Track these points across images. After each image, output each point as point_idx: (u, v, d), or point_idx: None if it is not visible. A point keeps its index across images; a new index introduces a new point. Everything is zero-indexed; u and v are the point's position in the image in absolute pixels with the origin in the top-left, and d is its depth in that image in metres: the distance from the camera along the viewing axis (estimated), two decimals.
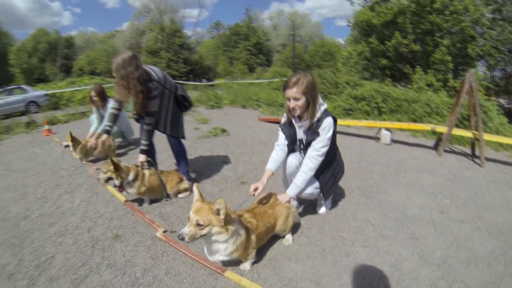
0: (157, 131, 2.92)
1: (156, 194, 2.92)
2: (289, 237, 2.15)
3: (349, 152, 4.59)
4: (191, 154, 4.48)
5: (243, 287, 1.72)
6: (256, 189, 2.06)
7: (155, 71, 2.71)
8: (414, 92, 7.53)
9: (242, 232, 1.73)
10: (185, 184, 3.05)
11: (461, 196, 3.04)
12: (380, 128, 5.07)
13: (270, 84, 14.57)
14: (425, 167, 3.94)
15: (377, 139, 5.19)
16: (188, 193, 3.07)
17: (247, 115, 8.85)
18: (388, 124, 5.11)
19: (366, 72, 12.89)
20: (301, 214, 2.56)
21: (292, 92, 1.99)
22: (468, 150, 4.77)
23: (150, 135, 2.77)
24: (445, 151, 4.63)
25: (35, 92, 14.26)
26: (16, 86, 15.37)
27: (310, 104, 2.01)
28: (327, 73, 10.61)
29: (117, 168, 2.60)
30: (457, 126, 4.68)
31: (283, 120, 2.27)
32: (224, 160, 4.25)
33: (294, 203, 2.37)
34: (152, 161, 2.84)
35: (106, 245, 2.28)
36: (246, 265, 1.88)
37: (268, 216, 1.96)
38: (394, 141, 5.24)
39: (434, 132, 5.15)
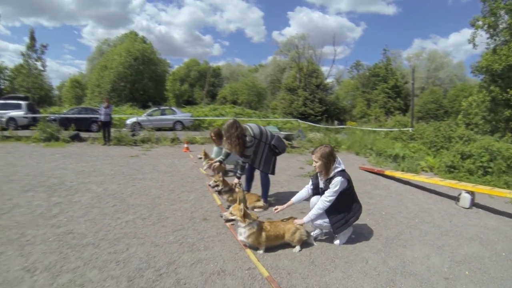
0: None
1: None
2: (297, 247, 3.41)
3: (412, 206, 5.31)
4: (282, 187, 6.20)
5: (250, 257, 3.18)
6: (276, 209, 3.75)
7: (252, 128, 4.66)
8: None
9: (256, 226, 3.27)
10: (261, 203, 4.83)
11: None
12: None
13: (388, 133, 15.33)
14: (480, 238, 4.03)
15: (457, 200, 5.50)
16: (261, 209, 4.74)
17: (353, 161, 9.74)
18: (469, 186, 5.41)
19: (487, 124, 11.71)
20: (322, 240, 3.74)
21: (313, 157, 3.48)
22: None
23: (243, 168, 4.77)
24: None
25: (182, 114, 20.06)
26: (168, 107, 22.20)
27: (325, 166, 3.39)
28: (442, 126, 10.98)
29: (223, 181, 4.67)
30: None
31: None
32: None
33: (317, 231, 3.74)
34: (241, 184, 4.81)
35: (197, 222, 4.21)
36: (260, 250, 3.33)
37: (280, 228, 3.40)
38: (479, 206, 5.51)
39: None
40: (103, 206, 4.74)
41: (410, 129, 14.67)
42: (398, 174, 7.02)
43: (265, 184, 4.96)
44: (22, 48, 31.83)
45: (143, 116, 19.67)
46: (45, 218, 4.18)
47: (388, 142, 11.84)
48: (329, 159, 3.40)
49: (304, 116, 33.50)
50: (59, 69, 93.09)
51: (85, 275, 2.80)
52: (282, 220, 3.54)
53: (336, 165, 3.44)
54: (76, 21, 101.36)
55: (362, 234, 3.91)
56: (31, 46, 31.52)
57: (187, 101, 43.66)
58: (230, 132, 4.41)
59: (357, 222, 4.12)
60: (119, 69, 37.08)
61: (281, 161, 9.35)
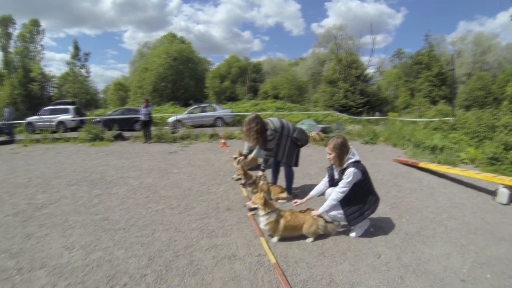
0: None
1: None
2: (311, 238, 3.59)
3: (443, 201, 5.08)
4: (311, 179, 6.43)
5: (262, 245, 3.45)
6: (296, 202, 3.97)
7: (273, 122, 4.89)
8: None
9: (274, 215, 3.51)
10: (284, 195, 5.09)
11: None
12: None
13: (429, 124, 14.84)
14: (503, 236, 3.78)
15: (494, 196, 5.19)
16: (285, 201, 4.99)
17: (389, 153, 9.45)
18: (506, 180, 5.05)
19: None
20: (339, 232, 3.81)
21: (327, 148, 3.63)
22: None
23: (266, 161, 5.13)
24: None
25: (222, 110, 20.76)
26: (208, 104, 23.07)
27: (338, 157, 3.53)
28: (485, 114, 10.39)
29: (245, 173, 4.95)
30: None
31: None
32: None
33: (335, 223, 3.81)
34: (265, 176, 5.08)
35: (221, 211, 4.60)
36: (274, 239, 3.59)
37: (299, 218, 3.59)
38: None
39: None
40: (137, 197, 5.31)
41: (451, 118, 14.35)
42: (433, 167, 6.69)
43: (289, 176, 5.19)
44: (68, 57, 36.07)
45: (184, 114, 20.74)
46: (86, 207, 4.84)
47: (428, 133, 11.40)
48: (342, 150, 3.52)
49: (345, 108, 33.09)
50: (104, 74, 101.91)
51: (113, 253, 3.31)
52: (301, 211, 3.72)
53: (350, 156, 3.55)
54: (117, 27, 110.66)
55: (381, 228, 3.91)
56: (75, 55, 35.82)
57: (229, 98, 44.94)
58: (250, 126, 4.69)
59: (379, 215, 4.20)
60: (159, 70, 39.62)
61: (315, 153, 9.48)
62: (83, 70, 36.83)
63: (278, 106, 27.37)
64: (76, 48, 35.48)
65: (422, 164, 6.97)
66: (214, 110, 20.96)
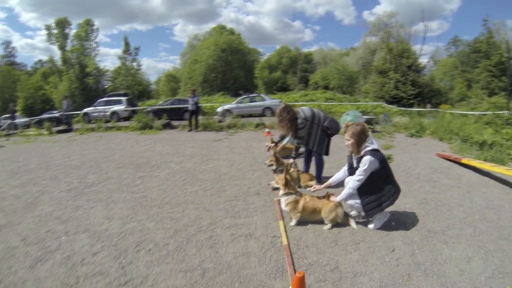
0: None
1: (293, 182, 5.21)
2: (328, 225, 3.74)
3: (480, 201, 4.75)
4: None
5: (280, 227, 3.71)
6: (314, 187, 4.27)
7: (304, 111, 5.21)
8: None
9: (293, 197, 3.82)
10: (313, 183, 5.25)
11: None
12: None
13: (481, 117, 13.98)
14: None
15: None
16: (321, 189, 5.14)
17: (433, 147, 8.97)
18: None
19: None
20: (359, 222, 3.89)
21: (346, 135, 3.72)
22: None
23: (297, 149, 5.45)
24: None
25: (271, 100, 21.16)
26: (257, 94, 23.60)
27: (356, 144, 3.62)
28: None
29: (277, 160, 5.31)
30: None
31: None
32: None
33: (354, 212, 3.97)
34: (296, 164, 5.36)
35: (250, 195, 4.98)
36: (292, 222, 3.86)
37: (318, 202, 3.81)
38: None
39: None
40: (176, 180, 5.91)
41: (506, 112, 13.36)
42: (476, 163, 6.22)
43: (319, 165, 5.43)
44: (120, 52, 39.73)
45: (233, 104, 21.54)
46: (128, 186, 5.55)
47: (479, 128, 10.62)
48: (360, 137, 3.61)
49: (396, 100, 31.67)
50: (156, 66, 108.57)
51: (145, 225, 3.88)
52: (324, 196, 3.90)
53: (367, 143, 3.62)
54: (167, 21, 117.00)
55: (404, 223, 3.88)
56: (126, 50, 39.31)
57: (280, 88, 45.36)
58: (282, 116, 5.03)
59: (404, 209, 4.26)
60: (209, 61, 41.44)
61: None
62: (134, 64, 40.34)
63: (327, 97, 27.21)
64: (127, 43, 39.02)
65: (465, 160, 6.58)
66: (263, 100, 21.44)
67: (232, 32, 49.07)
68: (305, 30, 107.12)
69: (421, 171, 6.30)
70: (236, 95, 32.17)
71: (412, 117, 15.32)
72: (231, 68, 42.40)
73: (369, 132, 3.72)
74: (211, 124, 14.38)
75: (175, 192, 5.18)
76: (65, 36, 37.64)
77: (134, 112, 19.69)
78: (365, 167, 3.52)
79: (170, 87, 48.04)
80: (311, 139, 5.26)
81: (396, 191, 3.70)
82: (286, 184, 3.86)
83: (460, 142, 9.15)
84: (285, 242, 3.32)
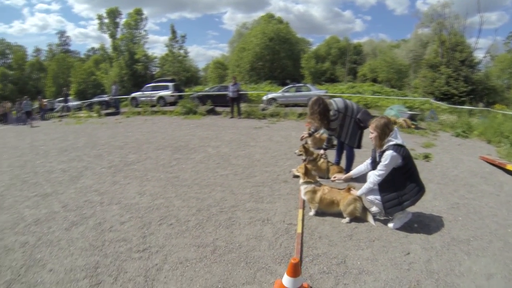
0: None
1: (322, 174, 5.24)
2: (347, 219, 3.73)
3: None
4: None
5: (298, 216, 3.77)
6: (335, 177, 4.18)
7: (337, 102, 5.21)
8: None
9: (312, 186, 3.89)
10: (341, 175, 5.10)
11: None
12: None
13: None
14: None
15: None
16: (341, 180, 5.09)
17: (478, 150, 8.15)
18: None
19: None
20: (380, 220, 3.79)
21: (370, 128, 3.64)
22: None
23: (329, 141, 5.62)
24: None
25: (317, 91, 20.90)
26: (303, 84, 23.47)
27: (379, 138, 3.52)
28: None
29: (306, 150, 5.38)
30: None
31: None
32: None
33: (374, 208, 3.84)
34: (326, 155, 5.37)
35: (277, 182, 5.15)
36: (311, 212, 3.93)
37: (336, 194, 3.81)
38: None
39: None
40: (209, 163, 6.20)
41: None
42: None
43: (349, 158, 5.41)
44: (167, 39, 42.36)
45: (278, 93, 21.61)
46: (164, 167, 5.95)
47: None
48: (383, 131, 3.51)
49: (446, 97, 29.43)
50: (205, 53, 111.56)
51: (172, 202, 4.19)
52: (344, 189, 3.88)
53: (391, 138, 3.51)
54: (216, 9, 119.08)
55: (427, 226, 3.65)
56: (173, 38, 41.60)
57: (329, 79, 44.60)
58: (313, 109, 5.05)
59: (431, 212, 4.01)
60: (256, 49, 41.85)
61: None
62: (181, 51, 42.43)
63: (375, 90, 26.30)
64: (173, 31, 41.21)
65: (510, 166, 6.03)
66: (309, 90, 21.27)
67: (280, 21, 49.17)
68: (356, 20, 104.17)
69: (459, 173, 5.91)
70: (283, 84, 32.20)
71: (461, 115, 14.36)
72: (279, 57, 42.52)
73: (395, 126, 3.58)
74: (254, 112, 14.60)
75: (207, 174, 5.45)
76: (115, 25, 40.34)
77: (180, 97, 20.54)
78: (386, 162, 3.43)
79: (218, 74, 49.22)
80: (343, 132, 5.25)
81: (419, 190, 3.54)
82: (306, 173, 3.92)
83: (509, 146, 8.41)
84: (299, 230, 3.39)
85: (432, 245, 3.24)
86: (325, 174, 5.26)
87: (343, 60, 47.54)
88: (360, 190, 3.71)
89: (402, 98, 22.13)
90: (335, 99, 5.30)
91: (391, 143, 3.48)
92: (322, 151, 5.33)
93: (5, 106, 21.04)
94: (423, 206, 3.90)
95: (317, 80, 40.59)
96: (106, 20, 40.01)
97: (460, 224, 3.75)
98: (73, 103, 24.42)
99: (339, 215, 3.76)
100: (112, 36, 39.94)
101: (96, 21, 41.47)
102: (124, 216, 3.74)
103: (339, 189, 3.92)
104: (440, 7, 38.11)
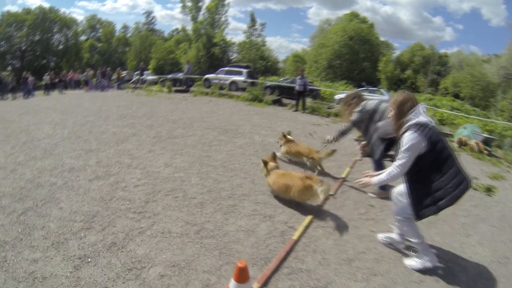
0: None
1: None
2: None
3: None
4: None
5: (305, 220, 3.56)
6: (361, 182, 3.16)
7: (369, 102, 4.71)
8: None
9: (270, 170, 4.18)
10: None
11: None
12: None
13: None
14: None
15: None
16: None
17: None
18: None
19: None
20: (393, 248, 2.99)
21: (389, 105, 3.01)
22: None
23: (342, 133, 5.06)
24: None
25: (390, 97, 19.94)
26: (377, 89, 22.39)
27: (396, 118, 2.83)
28: None
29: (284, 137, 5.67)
30: None
31: None
32: None
33: (395, 236, 3.19)
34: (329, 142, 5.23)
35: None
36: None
37: (290, 180, 3.83)
38: None
39: None
40: (248, 149, 6.36)
41: None
42: None
43: (375, 169, 4.61)
44: (246, 27, 45.58)
45: None
46: (203, 145, 6.29)
47: None
48: (400, 109, 2.78)
49: None
50: (289, 46, 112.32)
51: (190, 177, 4.45)
52: (301, 177, 3.82)
53: (411, 116, 2.73)
54: (301, 3, 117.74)
55: (454, 277, 2.86)
56: (252, 25, 44.11)
57: (409, 88, 41.95)
58: (346, 100, 4.91)
59: (469, 261, 3.13)
60: (335, 47, 41.32)
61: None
62: (259, 39, 44.59)
63: (454, 106, 23.79)
64: (253, 19, 43.61)
65: None
66: (383, 95, 20.31)
67: (364, 20, 47.58)
68: (446, 28, 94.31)
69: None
70: (359, 86, 31.09)
71: None
72: (358, 57, 41.43)
73: (418, 103, 2.77)
74: (319, 109, 14.36)
75: (238, 159, 5.58)
76: (198, 9, 43.82)
77: (252, 84, 21.02)
78: (406, 146, 2.63)
79: (296, 67, 49.45)
80: (367, 138, 4.77)
81: (459, 183, 2.63)
82: (272, 159, 4.28)
83: None
84: (294, 237, 3.20)
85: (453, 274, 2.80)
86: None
87: (426, 70, 44.34)
88: (377, 178, 2.95)
89: (482, 119, 19.89)
90: (373, 100, 4.81)
91: (411, 122, 2.70)
92: (328, 137, 5.10)
93: (88, 72, 24.41)
94: (461, 249, 3.27)
95: (394, 87, 38.46)
96: (189, 4, 43.85)
97: (501, 285, 2.86)
98: (148, 77, 26.76)
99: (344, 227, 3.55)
100: (194, 19, 43.75)
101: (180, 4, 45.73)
102: (141, 180, 4.15)
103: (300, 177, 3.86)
104: None
